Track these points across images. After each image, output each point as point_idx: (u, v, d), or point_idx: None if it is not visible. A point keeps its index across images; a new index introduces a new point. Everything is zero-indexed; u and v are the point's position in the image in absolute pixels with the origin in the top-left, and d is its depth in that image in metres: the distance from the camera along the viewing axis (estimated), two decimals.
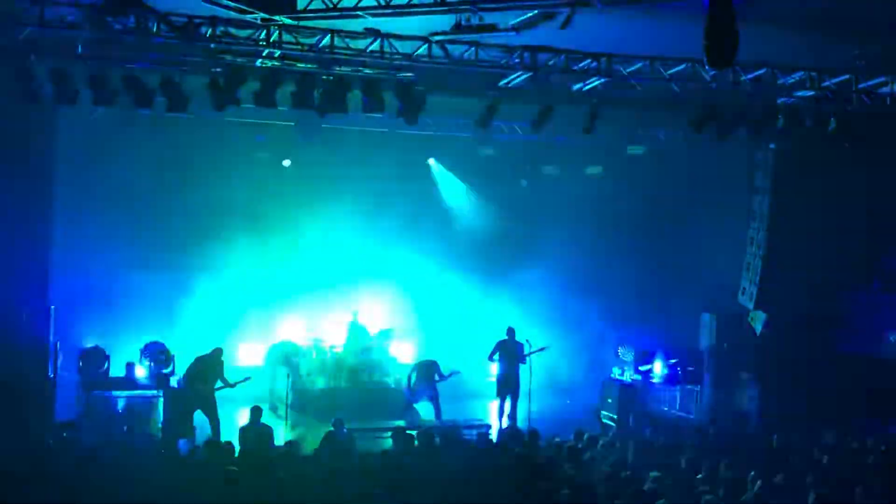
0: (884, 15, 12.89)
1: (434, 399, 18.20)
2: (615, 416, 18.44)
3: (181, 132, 18.94)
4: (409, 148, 20.74)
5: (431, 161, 22.53)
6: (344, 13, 12.71)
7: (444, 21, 13.44)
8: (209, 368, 16.17)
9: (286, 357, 19.59)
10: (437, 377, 18.37)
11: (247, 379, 16.49)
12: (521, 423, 17.54)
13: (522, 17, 13.22)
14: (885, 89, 16.37)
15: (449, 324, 21.85)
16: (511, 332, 18.45)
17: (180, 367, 17.00)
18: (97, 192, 19.04)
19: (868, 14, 12.98)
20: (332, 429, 14.51)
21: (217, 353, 16.38)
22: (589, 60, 15.50)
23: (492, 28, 13.26)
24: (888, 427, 16.44)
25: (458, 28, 13.40)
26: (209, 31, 13.67)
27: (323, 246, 20.94)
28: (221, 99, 15.20)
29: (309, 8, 12.58)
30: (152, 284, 19.55)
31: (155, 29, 13.47)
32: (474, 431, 16.06)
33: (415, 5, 12.44)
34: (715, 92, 16.61)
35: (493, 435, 16.60)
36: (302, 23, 13.49)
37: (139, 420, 16.40)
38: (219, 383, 16.19)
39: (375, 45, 14.52)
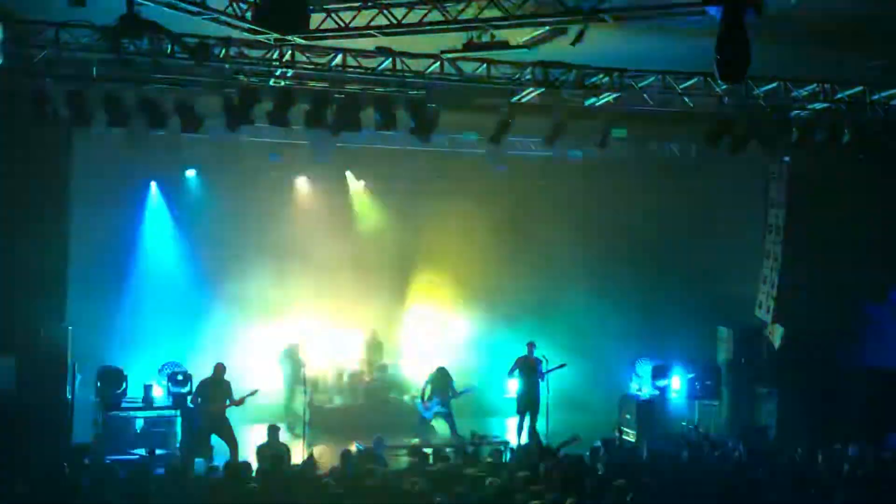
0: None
1: (448, 416, 18.15)
2: (634, 432, 18.44)
3: (195, 151, 19.11)
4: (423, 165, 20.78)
5: None
6: (356, 32, 12.76)
7: (455, 39, 13.46)
8: (214, 389, 16.12)
9: (296, 364, 19.50)
10: (451, 393, 18.30)
11: (254, 392, 16.43)
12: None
13: (534, 34, 13.24)
14: None
15: (465, 341, 21.80)
16: (531, 347, 18.43)
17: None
18: (114, 212, 19.13)
19: (881, 25, 12.94)
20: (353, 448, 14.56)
21: (219, 371, 16.31)
22: (601, 75, 15.50)
23: (503, 45, 13.27)
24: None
25: (469, 45, 13.42)
26: (223, 51, 13.75)
27: (338, 263, 20.95)
28: (235, 119, 15.29)
29: (321, 27, 12.63)
30: (170, 304, 19.59)
31: (169, 50, 13.55)
32: (491, 448, 15.99)
33: (426, 23, 12.47)
34: (728, 106, 16.60)
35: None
36: (314, 42, 13.55)
37: (157, 440, 16.42)
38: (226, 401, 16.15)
39: (387, 64, 14.58)
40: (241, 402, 16.12)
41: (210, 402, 15.99)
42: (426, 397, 18.44)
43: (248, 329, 20.32)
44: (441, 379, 18.45)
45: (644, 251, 22.08)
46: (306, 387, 17.52)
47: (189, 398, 16.88)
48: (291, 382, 19.75)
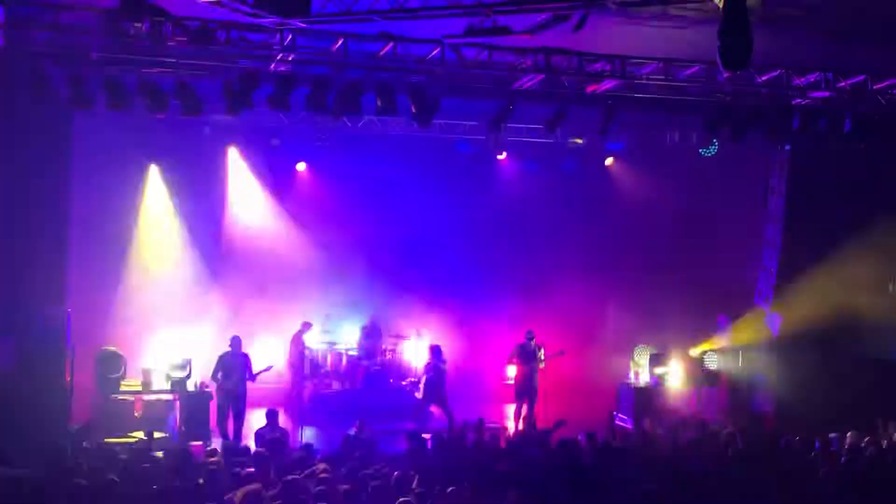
0: None
1: (443, 402, 18.08)
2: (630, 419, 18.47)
3: (197, 135, 19.11)
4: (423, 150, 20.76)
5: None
6: (357, 17, 12.72)
7: (457, 24, 13.43)
8: (234, 362, 16.29)
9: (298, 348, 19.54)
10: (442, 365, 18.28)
11: (268, 368, 16.58)
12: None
13: (536, 20, 13.20)
14: None
15: (464, 326, 21.81)
16: (529, 335, 18.44)
17: (196, 370, 17.09)
18: (113, 195, 19.12)
19: (883, 14, 12.92)
20: (350, 432, 14.55)
21: (236, 345, 16.46)
22: (603, 62, 15.47)
23: (505, 31, 13.24)
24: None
25: (471, 31, 13.39)
26: (223, 35, 13.73)
27: (339, 248, 20.95)
28: (236, 103, 15.26)
29: (322, 12, 12.60)
30: (168, 287, 19.59)
31: (169, 33, 13.52)
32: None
33: (428, 8, 12.43)
34: (729, 93, 16.57)
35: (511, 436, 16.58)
36: (315, 26, 13.52)
37: (155, 424, 16.44)
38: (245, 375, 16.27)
39: (389, 49, 14.55)
40: (256, 376, 16.34)
41: (230, 375, 16.15)
42: (423, 384, 18.46)
43: (247, 313, 20.32)
44: (435, 368, 18.38)
45: (643, 238, 22.08)
46: (306, 371, 17.53)
47: (188, 381, 16.94)
48: (292, 366, 19.78)
